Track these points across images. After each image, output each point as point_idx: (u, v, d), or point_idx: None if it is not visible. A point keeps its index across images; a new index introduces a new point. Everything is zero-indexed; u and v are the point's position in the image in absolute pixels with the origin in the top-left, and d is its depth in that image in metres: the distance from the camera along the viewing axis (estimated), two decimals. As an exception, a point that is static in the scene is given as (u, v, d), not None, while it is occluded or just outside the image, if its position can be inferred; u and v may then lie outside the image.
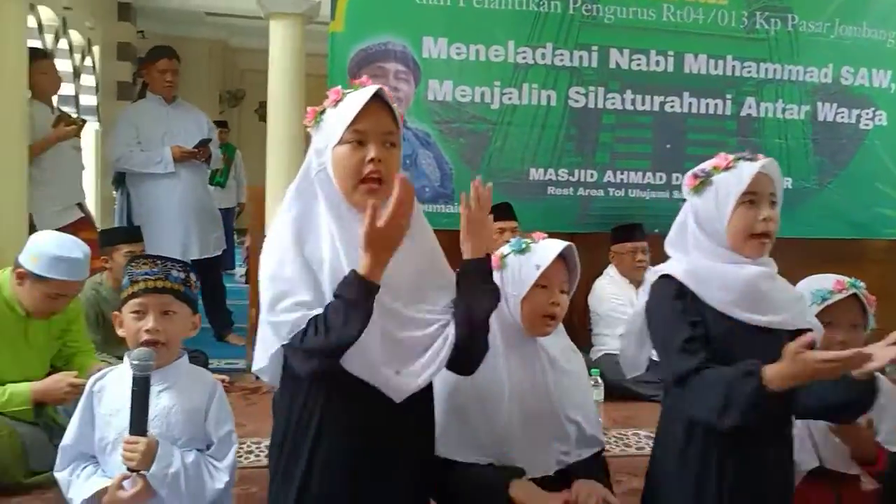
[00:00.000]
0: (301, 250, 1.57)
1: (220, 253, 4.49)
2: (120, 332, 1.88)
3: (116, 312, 1.89)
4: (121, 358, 2.91)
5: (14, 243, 3.54)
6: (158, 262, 1.87)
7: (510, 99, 3.99)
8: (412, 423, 1.66)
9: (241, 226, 7.10)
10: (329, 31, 3.85)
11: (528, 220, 3.72)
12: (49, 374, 2.69)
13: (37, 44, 5.07)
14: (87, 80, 6.85)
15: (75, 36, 6.52)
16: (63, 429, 2.56)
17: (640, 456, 2.92)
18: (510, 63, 3.99)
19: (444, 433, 1.81)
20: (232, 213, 6.55)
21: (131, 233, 3.28)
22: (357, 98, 1.57)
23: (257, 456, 2.80)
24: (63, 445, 1.86)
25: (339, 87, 1.63)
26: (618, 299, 3.90)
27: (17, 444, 2.41)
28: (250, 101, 10.19)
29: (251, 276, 4.36)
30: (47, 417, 2.58)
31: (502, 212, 3.73)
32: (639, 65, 4.11)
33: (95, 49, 6.96)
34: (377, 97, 1.57)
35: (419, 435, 1.71)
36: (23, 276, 2.47)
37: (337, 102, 1.60)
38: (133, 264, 1.87)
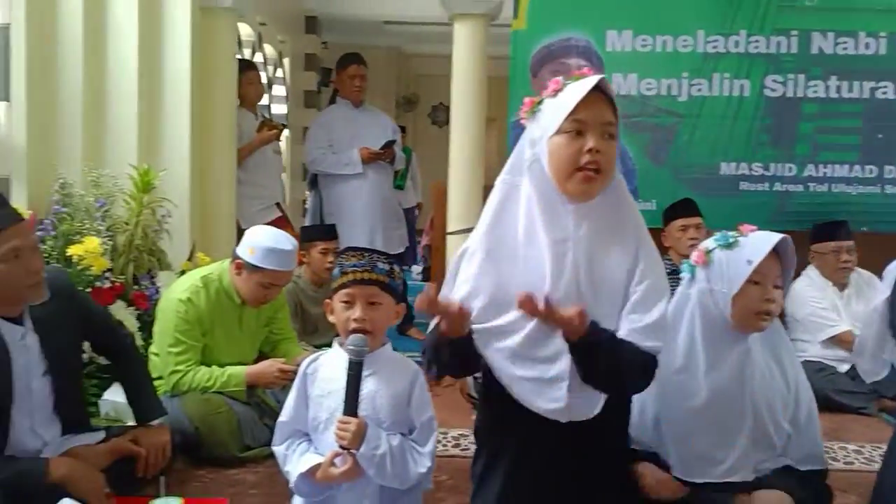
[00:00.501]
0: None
1: (402, 250, 4.66)
2: (331, 318, 1.98)
3: (328, 300, 1.99)
4: (318, 346, 3.12)
5: (225, 238, 3.89)
6: (366, 254, 1.95)
7: (699, 90, 3.83)
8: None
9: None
10: (511, 29, 3.88)
11: (718, 218, 3.53)
12: (257, 359, 2.91)
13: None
14: (278, 90, 7.37)
15: (269, 49, 7.04)
16: (271, 409, 2.78)
17: (849, 471, 2.69)
18: (699, 53, 3.82)
19: None
20: (413, 213, 6.77)
21: (327, 231, 3.48)
22: (578, 88, 1.56)
23: (444, 446, 2.86)
24: (280, 422, 1.99)
25: (559, 78, 1.62)
26: (818, 303, 3.61)
27: (233, 420, 2.62)
28: (423, 105, 10.50)
29: (433, 273, 4.47)
30: (258, 398, 2.78)
31: (685, 208, 3.58)
32: (845, 49, 3.80)
33: (286, 61, 7.48)
34: (597, 88, 1.55)
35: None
36: (240, 266, 2.69)
37: (556, 92, 1.60)
38: (343, 256, 1.96)
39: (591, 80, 1.56)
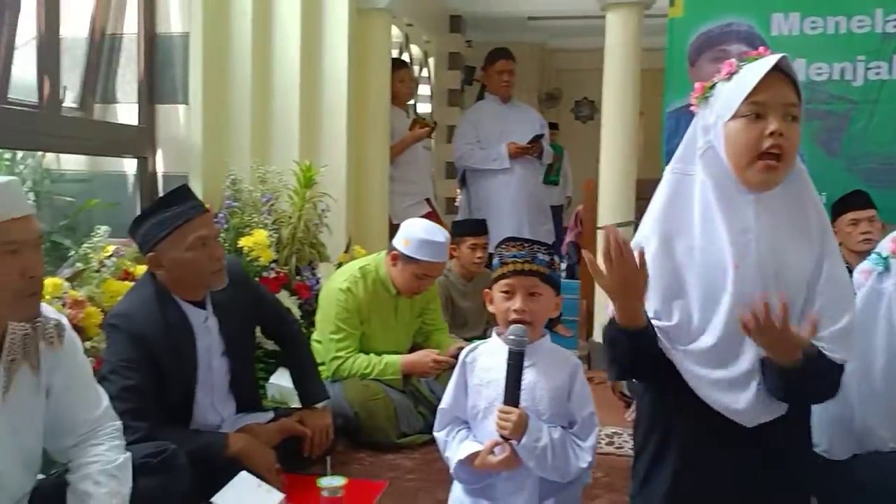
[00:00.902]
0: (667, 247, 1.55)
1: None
2: (490, 308, 1.99)
3: (487, 290, 2.00)
4: (468, 339, 3.16)
5: (377, 233, 4.02)
6: (526, 245, 1.93)
7: (877, 74, 3.52)
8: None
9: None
10: (668, 17, 3.74)
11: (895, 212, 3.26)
12: (411, 349, 2.99)
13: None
14: (423, 89, 7.53)
15: (415, 50, 7.21)
16: (426, 398, 2.84)
17: None
18: (877, 34, 3.51)
19: None
20: (561, 210, 6.72)
21: (477, 226, 3.52)
22: (756, 68, 1.47)
23: (598, 443, 2.79)
24: (440, 409, 2.03)
25: (733, 60, 1.54)
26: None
27: (390, 407, 2.70)
28: (566, 100, 10.36)
29: (581, 272, 4.39)
30: (412, 387, 2.86)
31: (856, 200, 3.30)
32: None
33: (430, 60, 7.64)
34: (776, 68, 1.46)
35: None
36: (396, 257, 2.77)
37: (731, 75, 1.52)
38: (503, 246, 1.96)
39: (771, 59, 1.47)
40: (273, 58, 3.67)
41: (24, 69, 3.04)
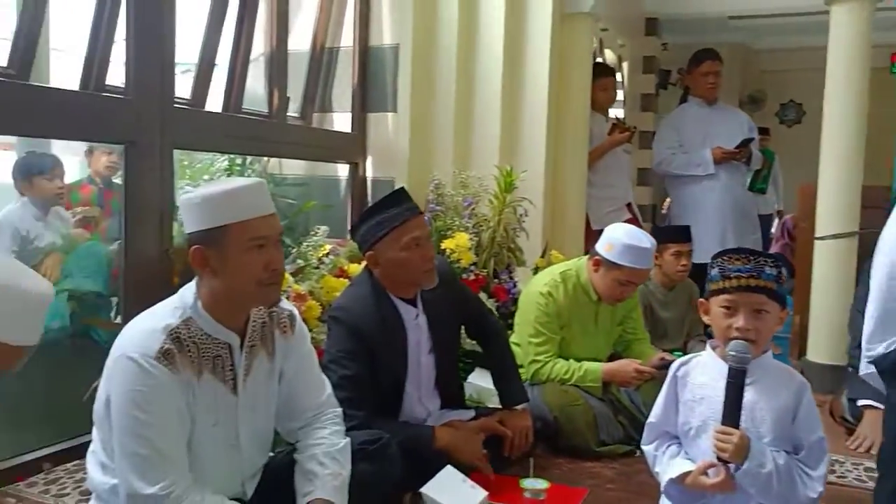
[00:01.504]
0: None
1: (755, 257, 4.34)
2: (705, 319, 1.90)
3: (702, 300, 1.91)
4: (669, 352, 3.04)
5: (574, 238, 3.99)
6: (751, 258, 1.80)
7: None
8: None
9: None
10: (904, 8, 3.40)
11: None
12: (610, 358, 2.93)
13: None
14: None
15: (609, 54, 7.09)
16: (625, 408, 2.77)
17: None
18: None
19: None
20: (770, 219, 6.29)
21: (682, 232, 3.38)
22: None
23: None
24: (649, 422, 1.97)
25: None
26: None
27: (589, 414, 2.66)
28: (770, 103, 9.71)
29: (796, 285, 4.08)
30: (612, 395, 2.80)
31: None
32: None
33: (624, 65, 7.47)
34: None
35: None
36: (598, 263, 2.73)
37: None
38: (725, 258, 1.85)
39: None
40: (476, 66, 3.76)
41: (252, 82, 3.34)
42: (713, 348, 1.89)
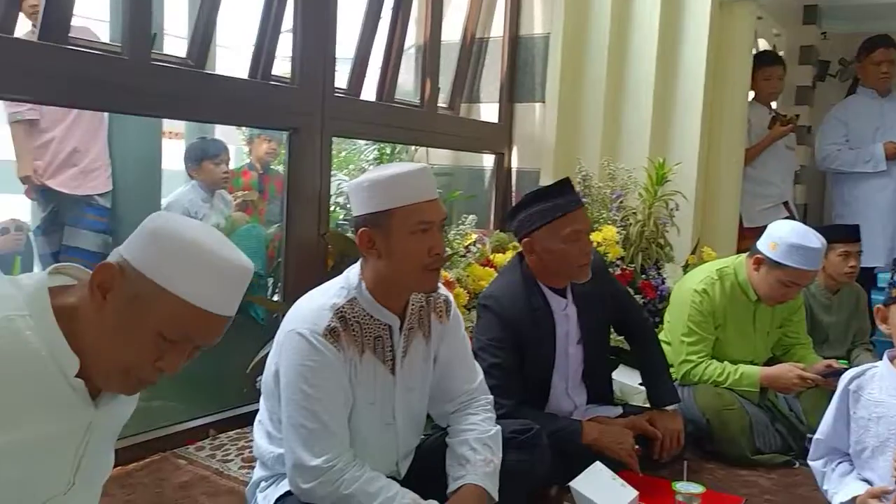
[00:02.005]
0: None
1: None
2: (883, 327, 1.76)
3: (879, 307, 1.77)
4: (840, 358, 2.83)
5: (726, 235, 3.80)
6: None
7: None
8: None
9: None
10: None
11: None
12: (767, 362, 2.77)
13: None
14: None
15: (762, 43, 6.70)
16: (783, 416, 2.62)
17: None
18: None
19: None
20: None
21: (851, 232, 3.13)
22: None
23: None
24: (816, 438, 1.85)
25: None
26: None
27: (745, 419, 2.52)
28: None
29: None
30: (769, 402, 2.64)
31: None
32: None
33: (780, 55, 7.05)
34: None
35: None
36: (760, 262, 2.58)
37: None
38: None
39: None
40: (628, 55, 3.65)
41: (403, 72, 3.41)
42: (891, 360, 1.74)
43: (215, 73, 2.55)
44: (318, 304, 1.70)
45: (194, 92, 2.41)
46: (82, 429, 1.15)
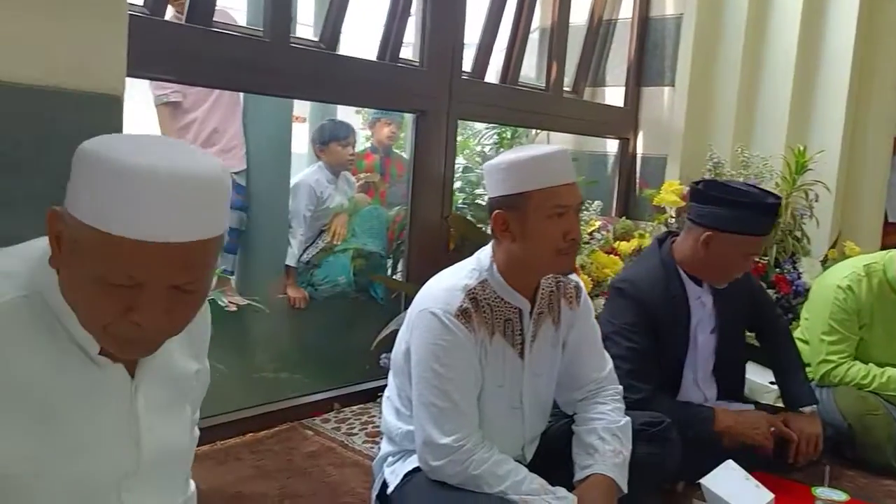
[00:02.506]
0: None
1: None
2: None
3: None
4: None
5: (870, 229, 3.57)
6: None
7: None
8: None
9: None
10: None
11: None
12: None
13: None
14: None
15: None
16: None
17: None
18: None
19: None
20: None
21: None
22: None
23: None
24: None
25: None
26: None
27: (892, 426, 2.35)
28: None
29: None
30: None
31: None
32: None
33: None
34: None
35: None
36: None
37: None
38: None
39: None
40: (767, 36, 3.46)
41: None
42: None
43: (348, 55, 2.58)
44: (449, 284, 1.70)
45: (328, 73, 2.46)
46: (124, 406, 1.01)
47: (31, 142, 1.38)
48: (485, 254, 1.75)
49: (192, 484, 1.28)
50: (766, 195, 2.14)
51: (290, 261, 3.44)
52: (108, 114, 1.49)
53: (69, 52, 1.43)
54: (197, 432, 1.24)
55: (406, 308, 2.75)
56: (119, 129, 1.51)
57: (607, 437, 1.73)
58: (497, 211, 1.67)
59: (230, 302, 2.29)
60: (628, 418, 1.81)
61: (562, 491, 1.60)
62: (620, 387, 1.89)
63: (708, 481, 1.90)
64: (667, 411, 1.92)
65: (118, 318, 0.88)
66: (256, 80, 2.31)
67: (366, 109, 5.00)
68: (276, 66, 2.28)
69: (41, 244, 0.94)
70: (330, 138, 3.59)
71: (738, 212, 2.06)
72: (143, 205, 0.82)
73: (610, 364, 1.90)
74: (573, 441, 1.79)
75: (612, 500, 1.66)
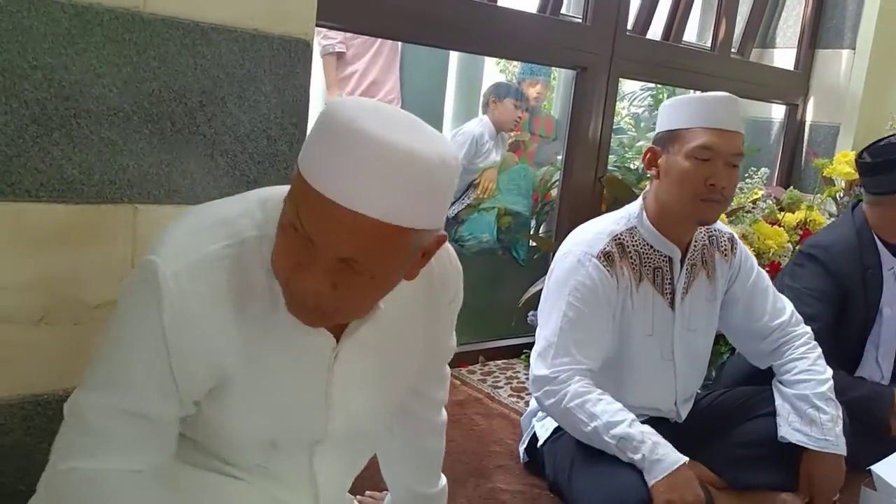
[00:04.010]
0: None
1: None
2: None
3: None
4: None
5: None
6: None
7: None
8: None
9: None
10: None
11: None
12: None
13: None
14: None
15: None
16: None
17: None
18: None
19: None
20: None
21: None
22: None
23: None
24: None
25: None
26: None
27: None
28: None
29: None
30: None
31: None
32: None
33: None
34: None
35: None
36: None
37: None
38: None
39: None
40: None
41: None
42: None
43: (510, 7, 2.54)
44: (596, 229, 1.70)
45: (489, 25, 2.42)
46: (322, 374, 1.01)
47: (228, 80, 1.45)
48: (636, 203, 1.74)
49: (443, 478, 1.35)
50: None
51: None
52: (298, 58, 1.54)
53: (265, -4, 1.48)
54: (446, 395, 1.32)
55: (552, 267, 2.75)
56: (308, 73, 1.57)
57: (821, 405, 1.68)
58: (650, 146, 1.68)
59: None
60: (830, 370, 1.75)
61: (666, 448, 1.45)
62: (808, 329, 1.82)
63: (880, 468, 1.78)
64: (840, 388, 1.80)
65: (292, 273, 0.86)
66: (419, 30, 2.32)
67: (510, 69, 4.97)
68: (439, 17, 2.27)
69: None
70: (508, 94, 3.62)
71: None
72: (344, 164, 0.79)
73: (790, 306, 1.84)
74: (778, 395, 1.74)
75: (842, 473, 1.66)
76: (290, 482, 1.08)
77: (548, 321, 1.63)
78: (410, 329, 1.09)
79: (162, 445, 0.96)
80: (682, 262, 1.72)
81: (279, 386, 0.99)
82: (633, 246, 1.68)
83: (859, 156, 2.10)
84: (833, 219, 2.78)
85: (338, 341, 1.01)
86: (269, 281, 0.92)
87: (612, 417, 1.49)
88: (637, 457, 1.44)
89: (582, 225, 1.77)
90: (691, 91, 3.60)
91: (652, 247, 1.69)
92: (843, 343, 2.02)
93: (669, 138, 1.63)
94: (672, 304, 1.72)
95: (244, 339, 0.94)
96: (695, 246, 1.74)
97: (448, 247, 1.08)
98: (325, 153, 0.81)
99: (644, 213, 1.70)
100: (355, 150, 0.79)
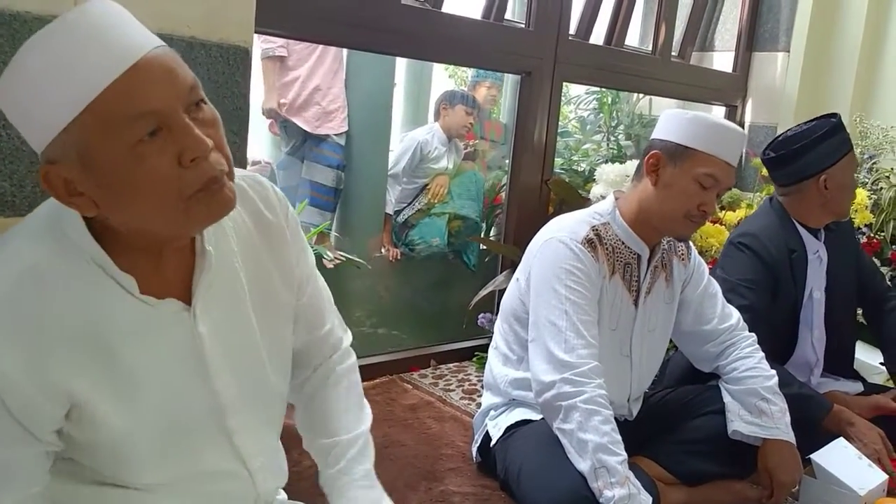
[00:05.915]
0: None
1: None
2: None
3: None
4: None
5: None
6: None
7: None
8: None
9: None
10: None
11: None
12: None
13: None
14: None
15: None
16: None
17: None
18: None
19: None
20: None
21: None
22: None
23: None
24: None
25: None
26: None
27: None
28: None
29: None
30: None
31: None
32: None
33: None
34: None
35: None
36: None
37: None
38: None
39: None
40: (891, 4, 3.25)
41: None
42: None
43: (449, 12, 2.55)
44: (575, 219, 1.75)
45: (433, 32, 2.44)
46: (186, 343, 0.96)
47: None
48: (605, 203, 1.79)
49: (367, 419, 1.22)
50: (826, 117, 2.13)
51: (389, 209, 3.62)
52: (237, 65, 1.53)
53: (202, 3, 1.47)
54: (349, 337, 1.29)
55: (502, 271, 2.77)
56: (247, 81, 1.56)
57: (770, 397, 1.76)
58: (656, 151, 1.70)
59: (335, 258, 2.34)
60: (774, 371, 1.82)
61: (643, 495, 1.46)
62: (753, 335, 1.88)
63: (819, 457, 1.84)
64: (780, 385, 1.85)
65: (180, 171, 0.83)
66: (362, 36, 2.31)
67: (459, 74, 5.00)
68: (382, 23, 2.28)
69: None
70: (460, 101, 3.64)
71: (827, 142, 2.06)
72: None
73: (737, 313, 1.90)
74: (726, 393, 1.80)
75: (798, 460, 1.73)
76: (219, 475, 1.03)
77: (546, 305, 1.64)
78: (256, 262, 1.05)
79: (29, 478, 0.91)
80: (649, 261, 1.78)
81: (149, 376, 0.93)
82: (608, 239, 1.73)
83: (764, 153, 2.18)
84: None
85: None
86: (95, 278, 0.89)
87: (610, 444, 1.48)
88: (607, 492, 1.43)
89: (556, 218, 1.81)
90: (635, 96, 3.70)
91: (623, 243, 1.75)
92: (777, 328, 2.08)
93: (681, 154, 1.67)
94: (636, 302, 1.77)
95: (82, 350, 0.88)
96: (661, 249, 1.80)
97: (264, 180, 1.10)
98: None
99: (617, 212, 1.75)
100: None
